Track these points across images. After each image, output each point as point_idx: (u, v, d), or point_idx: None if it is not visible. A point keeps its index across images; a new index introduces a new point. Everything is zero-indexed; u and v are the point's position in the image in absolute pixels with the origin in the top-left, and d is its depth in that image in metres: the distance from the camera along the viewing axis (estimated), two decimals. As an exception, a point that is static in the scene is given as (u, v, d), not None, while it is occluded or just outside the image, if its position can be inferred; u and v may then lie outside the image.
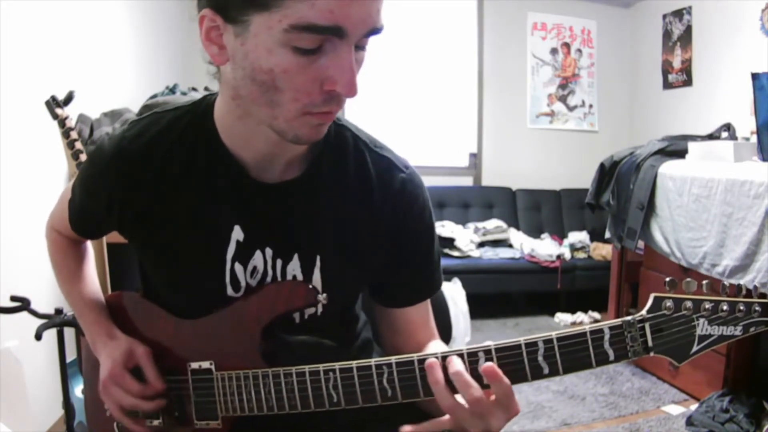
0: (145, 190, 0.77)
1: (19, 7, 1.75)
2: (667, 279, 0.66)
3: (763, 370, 2.23)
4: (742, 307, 0.65)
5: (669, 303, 0.66)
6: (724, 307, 0.65)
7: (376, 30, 0.61)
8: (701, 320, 0.65)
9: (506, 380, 0.65)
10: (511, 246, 3.80)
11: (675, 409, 2.33)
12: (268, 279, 0.79)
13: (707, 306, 0.65)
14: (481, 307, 3.38)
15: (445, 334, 1.12)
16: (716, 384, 2.25)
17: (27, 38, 1.80)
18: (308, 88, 0.61)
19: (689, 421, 2.13)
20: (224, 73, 0.68)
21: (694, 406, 2.24)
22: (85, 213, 0.87)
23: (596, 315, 3.53)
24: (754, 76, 2.16)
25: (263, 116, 0.65)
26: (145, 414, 0.82)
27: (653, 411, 2.33)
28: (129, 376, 0.80)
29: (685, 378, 2.47)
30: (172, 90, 2.38)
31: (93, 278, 0.97)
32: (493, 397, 0.65)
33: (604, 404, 2.39)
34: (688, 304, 0.65)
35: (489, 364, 0.65)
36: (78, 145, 1.25)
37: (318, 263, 0.79)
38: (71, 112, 1.33)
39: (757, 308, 0.64)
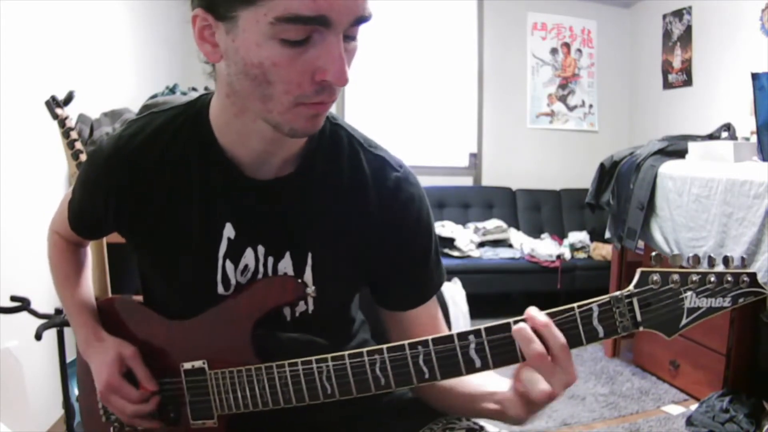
0: (142, 188, 0.78)
1: (19, 7, 1.75)
2: (653, 254, 0.66)
3: (763, 370, 2.23)
4: (729, 278, 0.64)
5: (656, 277, 0.65)
6: (712, 279, 0.64)
7: (363, 18, 0.61)
8: (689, 293, 0.65)
9: (559, 334, 0.65)
10: (511, 246, 3.80)
11: (675, 409, 2.33)
12: (259, 277, 0.79)
13: (694, 278, 0.65)
14: (481, 307, 3.37)
15: (445, 334, 1.11)
16: (716, 384, 2.25)
17: (27, 38, 1.80)
18: (299, 80, 0.61)
19: (689, 421, 2.13)
20: (219, 70, 0.69)
21: (694, 406, 2.24)
22: (84, 213, 0.87)
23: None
24: (754, 76, 2.16)
25: (258, 111, 0.66)
26: (144, 420, 0.82)
27: (653, 411, 2.33)
28: (126, 384, 0.81)
29: (685, 378, 2.47)
30: (172, 90, 2.38)
31: (87, 283, 0.97)
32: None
33: (604, 404, 2.39)
34: (675, 277, 0.65)
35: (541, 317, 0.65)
36: (78, 145, 1.24)
37: (309, 261, 0.79)
38: (71, 112, 1.32)
39: (745, 279, 0.64)
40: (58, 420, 1.90)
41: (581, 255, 3.72)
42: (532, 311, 0.66)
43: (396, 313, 0.85)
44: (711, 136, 2.79)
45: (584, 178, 3.31)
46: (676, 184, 2.37)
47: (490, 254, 3.63)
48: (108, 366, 0.81)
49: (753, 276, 0.64)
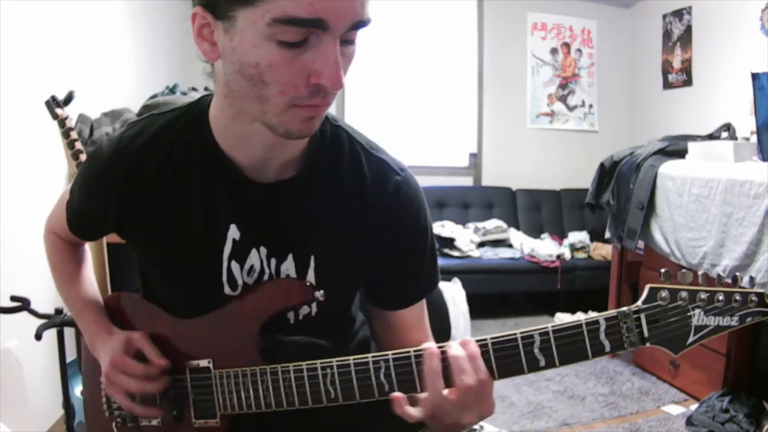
0: (143, 190, 0.78)
1: (19, 7, 1.75)
2: (663, 270, 0.66)
3: (763, 370, 2.23)
4: (738, 298, 0.64)
5: (664, 294, 0.66)
6: (720, 298, 0.65)
7: (361, 23, 0.61)
8: (697, 311, 0.65)
9: (484, 367, 0.68)
10: (511, 246, 3.80)
11: (675, 409, 2.33)
12: (265, 277, 0.80)
13: (703, 296, 0.65)
14: (481, 307, 3.38)
15: (445, 335, 1.12)
16: (716, 384, 2.25)
17: (27, 38, 1.80)
18: (294, 81, 0.61)
19: (689, 421, 2.13)
20: (217, 70, 0.69)
21: (694, 406, 2.24)
22: (83, 214, 0.87)
23: (596, 315, 3.52)
24: (754, 76, 2.16)
25: (254, 112, 0.66)
26: (145, 407, 0.82)
27: (653, 411, 2.33)
28: (130, 360, 0.80)
29: (685, 378, 2.47)
30: (172, 90, 2.38)
31: (91, 280, 0.97)
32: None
33: (604, 404, 2.39)
34: (684, 294, 0.65)
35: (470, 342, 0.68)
36: (78, 145, 1.25)
37: (312, 263, 0.79)
38: (71, 112, 1.33)
39: (753, 298, 0.64)
40: (58, 420, 1.90)
41: (581, 255, 3.71)
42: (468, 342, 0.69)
43: (384, 311, 0.86)
44: (711, 136, 2.79)
45: (584, 178, 3.31)
46: (676, 184, 2.37)
47: (490, 254, 3.63)
48: (114, 348, 0.81)
49: (761, 296, 0.64)
